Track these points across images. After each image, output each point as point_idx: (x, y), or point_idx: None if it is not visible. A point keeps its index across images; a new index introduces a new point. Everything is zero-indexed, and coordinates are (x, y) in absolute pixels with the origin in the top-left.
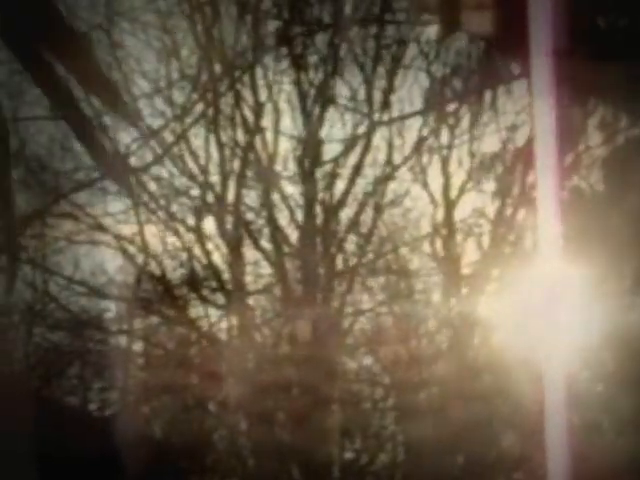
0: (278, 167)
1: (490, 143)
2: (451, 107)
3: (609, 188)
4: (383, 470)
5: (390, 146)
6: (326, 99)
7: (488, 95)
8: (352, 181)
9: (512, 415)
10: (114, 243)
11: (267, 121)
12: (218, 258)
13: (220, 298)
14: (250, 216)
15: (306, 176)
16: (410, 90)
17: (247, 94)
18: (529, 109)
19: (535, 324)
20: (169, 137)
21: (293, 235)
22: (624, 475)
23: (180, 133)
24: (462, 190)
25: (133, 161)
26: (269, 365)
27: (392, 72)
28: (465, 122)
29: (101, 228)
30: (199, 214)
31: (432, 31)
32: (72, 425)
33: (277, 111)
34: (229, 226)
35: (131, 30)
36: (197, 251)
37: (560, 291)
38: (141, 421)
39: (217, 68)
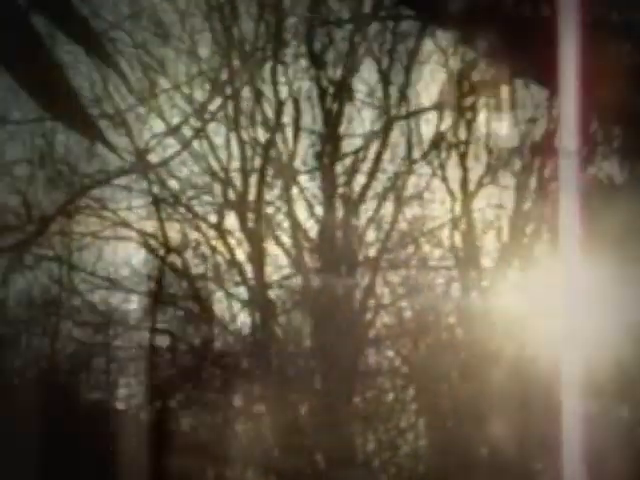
0: (298, 163)
1: (508, 136)
2: (469, 101)
3: (630, 178)
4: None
5: (408, 141)
6: (345, 95)
7: (506, 89)
8: (371, 175)
9: (530, 405)
10: (138, 238)
11: (287, 117)
12: (240, 253)
13: (243, 292)
14: (271, 211)
15: (326, 171)
16: (427, 85)
17: (267, 91)
18: (547, 102)
19: (555, 316)
20: (188, 133)
21: (313, 230)
22: None
23: (199, 129)
24: (480, 183)
25: (153, 157)
26: (294, 358)
27: (409, 67)
28: (483, 116)
29: (125, 224)
30: (221, 210)
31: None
32: (94, 418)
33: (297, 108)
34: (250, 222)
35: (151, 28)
36: (220, 246)
37: (580, 283)
38: (165, 415)
39: (237, 65)
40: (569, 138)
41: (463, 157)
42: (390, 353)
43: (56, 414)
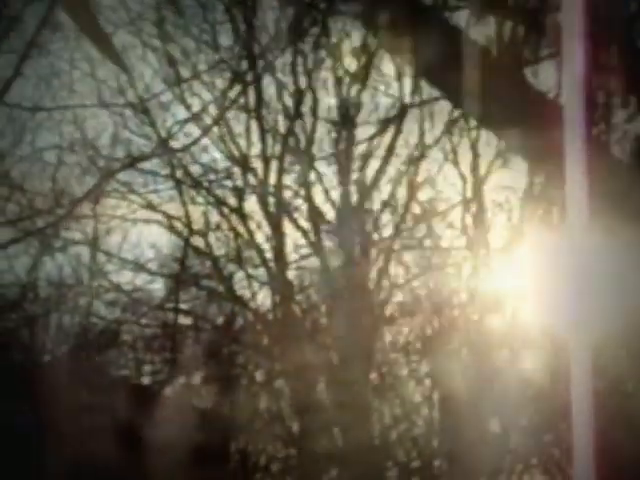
0: (315, 149)
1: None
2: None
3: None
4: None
5: (421, 127)
6: (360, 84)
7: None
8: (386, 161)
9: (540, 382)
10: (163, 221)
11: (306, 106)
12: (260, 236)
13: (263, 273)
14: (289, 196)
15: (341, 157)
16: None
17: (287, 81)
18: (557, 89)
19: (563, 294)
20: (209, 121)
21: (330, 213)
22: None
23: (220, 116)
24: (491, 168)
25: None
26: (310, 336)
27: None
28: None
29: (150, 207)
30: (242, 195)
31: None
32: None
33: (315, 96)
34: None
35: (172, 18)
36: (241, 229)
37: (588, 262)
38: (191, 392)
39: (256, 56)
40: (575, 113)
41: (474, 142)
42: (404, 330)
43: (85, 389)
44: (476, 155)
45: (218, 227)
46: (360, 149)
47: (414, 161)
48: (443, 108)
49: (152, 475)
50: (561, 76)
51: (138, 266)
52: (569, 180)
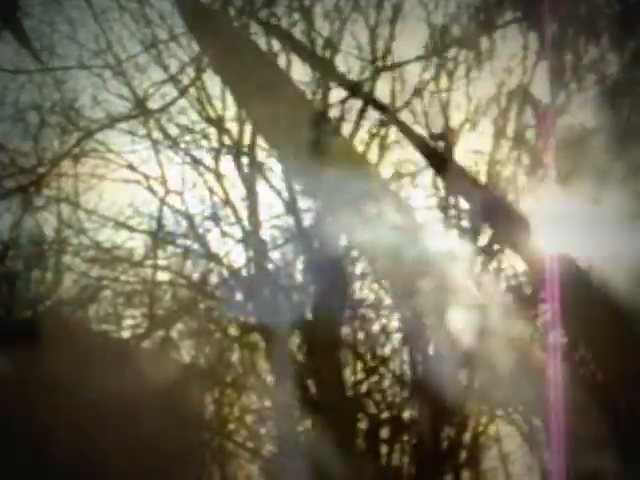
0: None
1: (487, 86)
2: (450, 53)
3: (601, 124)
4: None
5: (392, 90)
6: (333, 48)
7: (485, 41)
8: (358, 123)
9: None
10: (141, 181)
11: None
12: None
13: (237, 231)
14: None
15: (316, 120)
16: (411, 38)
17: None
18: (523, 53)
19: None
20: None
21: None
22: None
23: (196, 78)
24: (460, 131)
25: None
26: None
27: (393, 21)
28: (463, 67)
29: (129, 167)
30: (217, 155)
31: None
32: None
33: (288, 59)
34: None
35: None
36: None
37: (556, 219)
38: (170, 345)
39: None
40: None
41: (445, 106)
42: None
43: (64, 344)
44: (446, 117)
45: (194, 186)
46: (333, 112)
47: (385, 123)
48: (414, 70)
49: (133, 424)
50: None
51: (117, 224)
52: (535, 141)
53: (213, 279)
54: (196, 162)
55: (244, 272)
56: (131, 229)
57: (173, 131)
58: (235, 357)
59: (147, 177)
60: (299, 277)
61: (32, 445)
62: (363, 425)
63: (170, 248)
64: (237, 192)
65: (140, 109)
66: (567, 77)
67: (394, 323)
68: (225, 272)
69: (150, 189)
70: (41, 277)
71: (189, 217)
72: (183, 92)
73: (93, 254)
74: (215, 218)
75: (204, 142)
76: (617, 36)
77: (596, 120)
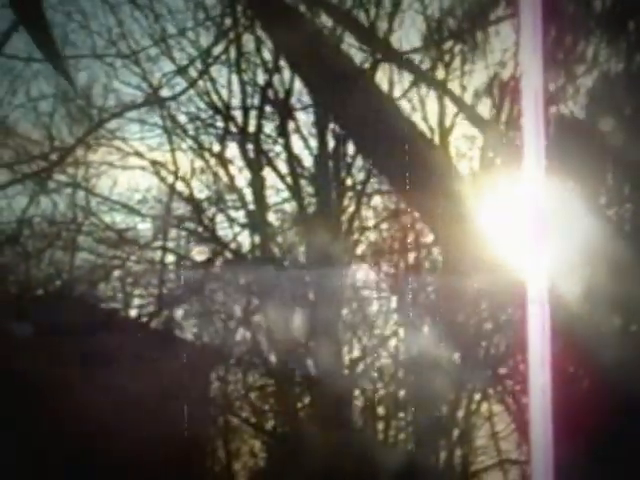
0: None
1: (481, 78)
2: (446, 45)
3: (592, 116)
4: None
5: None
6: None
7: (479, 34)
8: None
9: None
10: (150, 167)
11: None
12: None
13: (242, 216)
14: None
15: (318, 108)
16: (408, 30)
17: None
18: (516, 46)
19: (520, 241)
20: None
21: (307, 160)
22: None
23: (204, 70)
24: (456, 119)
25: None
26: (285, 275)
27: (392, 14)
28: (458, 59)
29: (138, 154)
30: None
31: None
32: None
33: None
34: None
35: None
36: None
37: (545, 210)
38: (175, 325)
39: (239, 12)
40: (534, 76)
41: (440, 96)
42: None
43: (77, 319)
44: (442, 106)
45: (202, 172)
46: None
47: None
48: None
49: (139, 401)
50: (519, 35)
51: (127, 208)
52: (527, 132)
53: (218, 262)
54: (203, 149)
55: (249, 256)
56: (140, 213)
57: (182, 119)
58: (239, 336)
59: (156, 163)
60: (302, 260)
61: (47, 405)
62: (360, 402)
63: (177, 232)
64: (243, 177)
65: (151, 98)
66: (560, 69)
67: (392, 303)
68: (230, 255)
69: (159, 175)
70: (54, 256)
71: (196, 202)
72: (192, 84)
73: (104, 236)
74: (221, 203)
75: (211, 129)
76: (610, 28)
77: (588, 111)
